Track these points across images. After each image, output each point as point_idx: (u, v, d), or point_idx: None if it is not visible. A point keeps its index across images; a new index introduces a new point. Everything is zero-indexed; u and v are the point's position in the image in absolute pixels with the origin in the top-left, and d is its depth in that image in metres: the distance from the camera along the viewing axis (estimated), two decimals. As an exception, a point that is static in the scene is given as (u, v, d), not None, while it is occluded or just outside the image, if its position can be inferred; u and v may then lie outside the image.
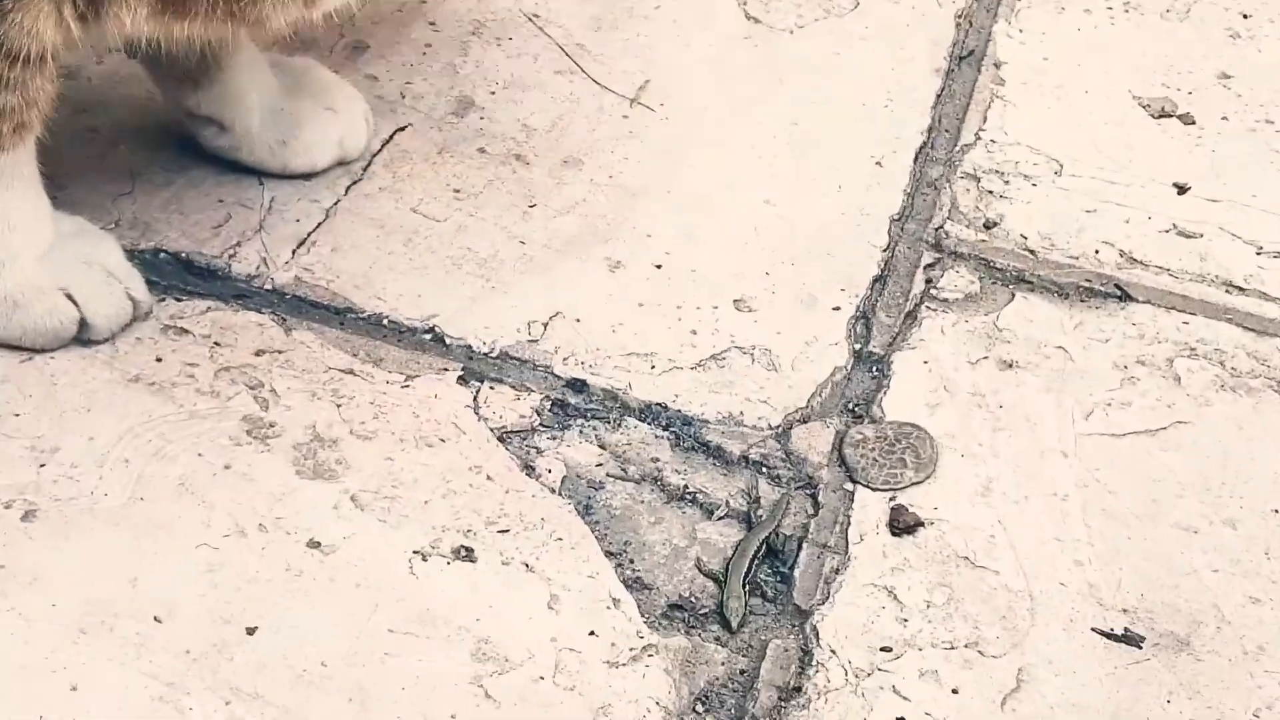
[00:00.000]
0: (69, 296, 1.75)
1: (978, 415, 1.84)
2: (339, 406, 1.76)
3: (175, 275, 1.86)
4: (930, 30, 2.27)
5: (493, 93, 2.12)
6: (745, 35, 2.25)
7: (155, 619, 1.58)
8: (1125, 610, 1.69)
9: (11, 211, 1.72)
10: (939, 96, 2.20)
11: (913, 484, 1.77)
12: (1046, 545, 1.73)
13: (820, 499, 1.76)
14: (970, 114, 2.17)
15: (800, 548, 1.72)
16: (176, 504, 1.66)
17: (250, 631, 1.58)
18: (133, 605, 1.58)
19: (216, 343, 1.80)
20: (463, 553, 1.66)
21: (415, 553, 1.66)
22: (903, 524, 1.74)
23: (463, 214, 1.96)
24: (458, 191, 1.98)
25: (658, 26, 2.24)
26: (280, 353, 1.80)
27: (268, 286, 1.87)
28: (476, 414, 1.78)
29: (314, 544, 1.65)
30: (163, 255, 1.88)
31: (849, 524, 1.74)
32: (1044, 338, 1.92)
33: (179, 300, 1.84)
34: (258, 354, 1.79)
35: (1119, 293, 1.98)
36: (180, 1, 1.61)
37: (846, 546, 1.72)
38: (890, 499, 1.76)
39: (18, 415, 1.71)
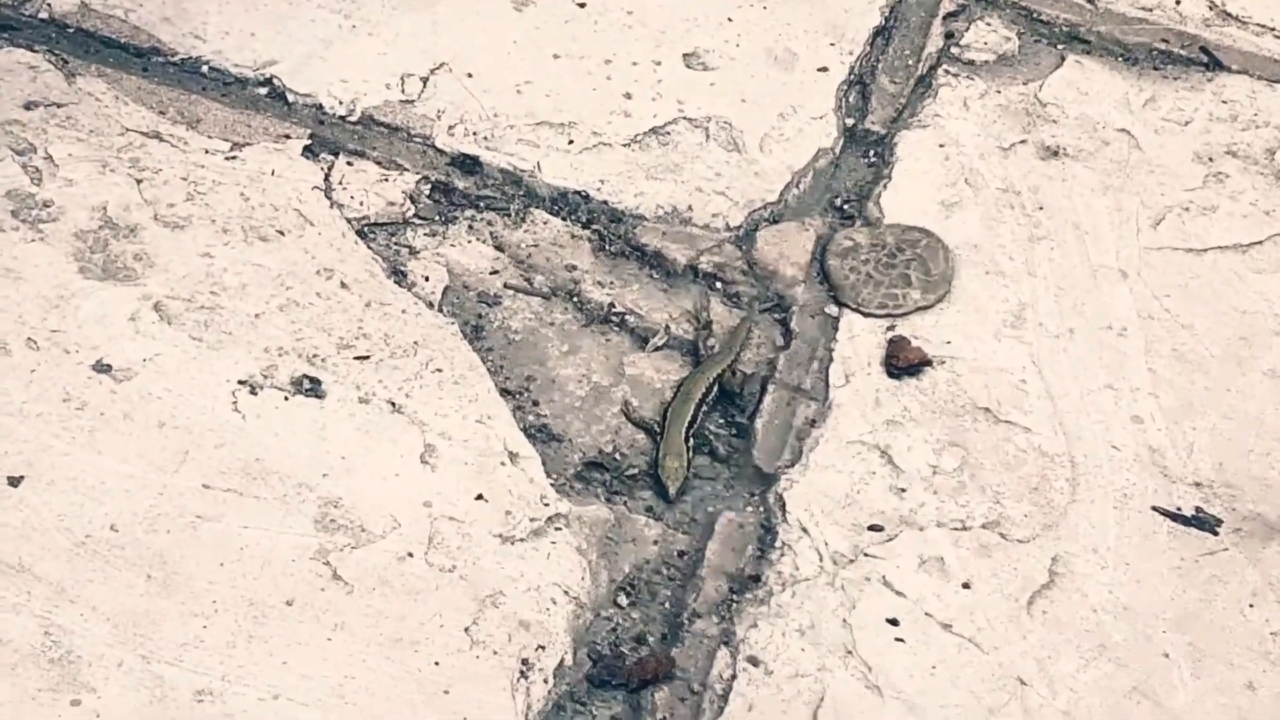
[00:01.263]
0: None
1: (1010, 219, 1.85)
2: (140, 183, 1.75)
3: (-83, -3, 1.85)
4: None
5: None
6: None
7: (-116, 463, 1.58)
8: (1198, 484, 1.70)
9: None
10: None
11: (919, 309, 1.79)
12: (1096, 395, 1.75)
13: (793, 326, 1.77)
14: None
15: (764, 391, 1.73)
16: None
17: (14, 483, 1.58)
18: None
19: (-30, 84, 1.79)
20: (306, 385, 1.67)
21: (241, 383, 1.66)
22: (904, 362, 1.75)
23: (315, -75, 1.94)
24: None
25: None
26: (60, 106, 1.78)
27: (43, 15, 1.86)
28: (329, 198, 1.78)
29: (103, 367, 1.65)
30: (-100, -31, 1.86)
31: (831, 360, 1.75)
32: (1103, 117, 1.93)
33: (-78, 31, 1.82)
34: (28, 107, 1.78)
35: (1205, 59, 1.98)
36: None
37: (827, 390, 1.73)
38: (888, 328, 1.77)
39: None
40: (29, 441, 1.60)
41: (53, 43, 1.83)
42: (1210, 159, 1.91)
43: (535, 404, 1.70)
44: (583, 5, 1.93)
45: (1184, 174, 1.90)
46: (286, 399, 1.65)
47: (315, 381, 1.67)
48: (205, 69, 1.84)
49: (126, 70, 1.81)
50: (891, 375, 1.74)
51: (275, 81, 1.84)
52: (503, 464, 1.65)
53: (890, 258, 1.81)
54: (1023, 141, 1.90)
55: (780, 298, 1.78)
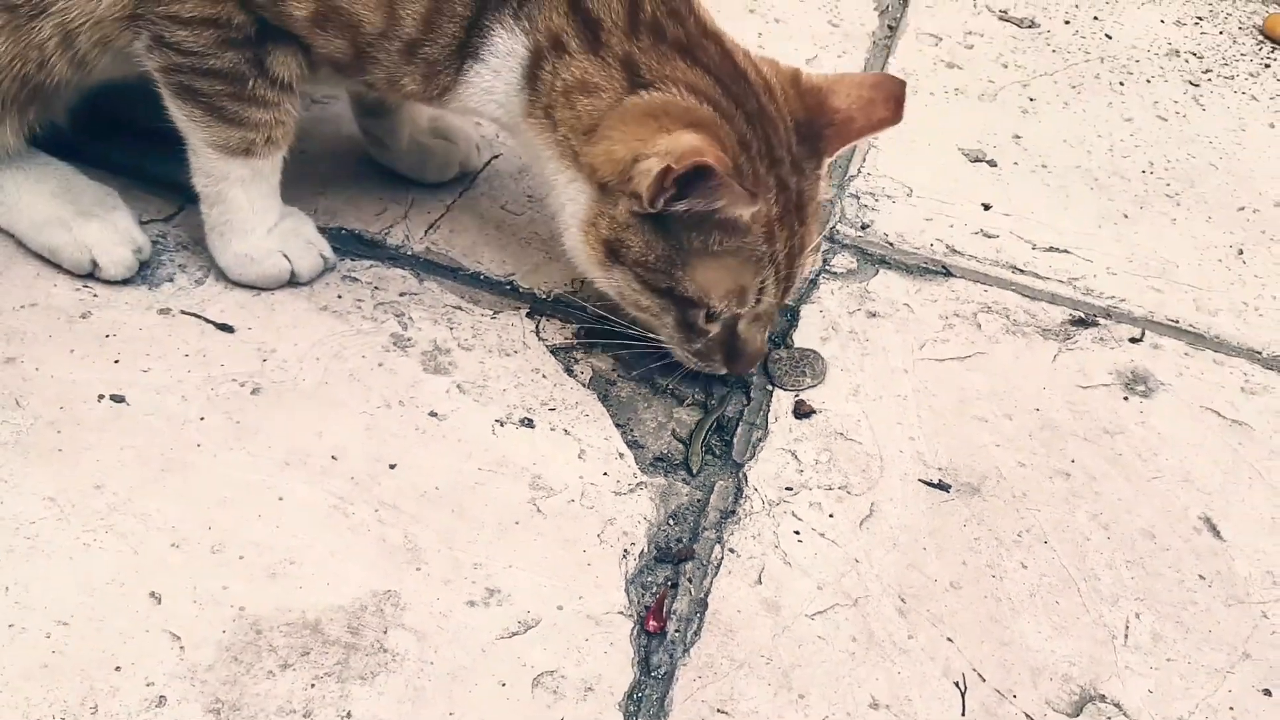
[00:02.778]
0: (285, 255, 1.73)
1: (852, 345, 1.83)
2: (452, 329, 1.75)
3: (350, 244, 1.85)
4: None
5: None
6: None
7: (332, 457, 1.58)
8: (940, 469, 1.69)
9: (257, 200, 1.69)
10: (836, 145, 2.19)
11: (810, 387, 1.77)
12: (892, 428, 1.73)
13: (751, 395, 1.76)
14: (855, 157, 2.16)
15: (738, 425, 1.72)
16: (348, 387, 1.66)
17: (392, 467, 1.58)
18: (319, 449, 1.59)
19: (375, 287, 1.79)
20: (526, 422, 1.66)
21: (496, 421, 1.66)
22: (802, 412, 1.74)
23: (533, 211, 1.94)
24: (531, 197, 1.97)
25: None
26: (415, 294, 1.78)
27: (409, 253, 1.85)
28: (538, 336, 1.77)
29: (433, 414, 1.65)
30: (343, 232, 1.87)
31: (769, 411, 1.74)
32: (896, 298, 1.91)
33: (352, 260, 1.82)
34: (401, 295, 1.78)
35: (944, 271, 1.97)
36: (347, 68, 1.60)
37: (766, 425, 1.72)
38: (795, 396, 1.76)
39: (250, 329, 1.71)
40: (400, 448, 1.60)
41: (413, 266, 1.82)
42: (946, 318, 1.89)
43: (631, 430, 1.69)
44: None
45: (934, 325, 1.88)
46: (517, 429, 1.65)
47: (531, 420, 1.66)
48: (482, 277, 1.82)
49: (446, 278, 1.79)
50: (797, 418, 1.73)
51: (514, 282, 1.83)
52: (617, 458, 1.64)
53: (797, 363, 1.79)
54: (859, 310, 1.88)
55: (745, 383, 1.76)
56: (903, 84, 1.59)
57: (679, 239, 1.50)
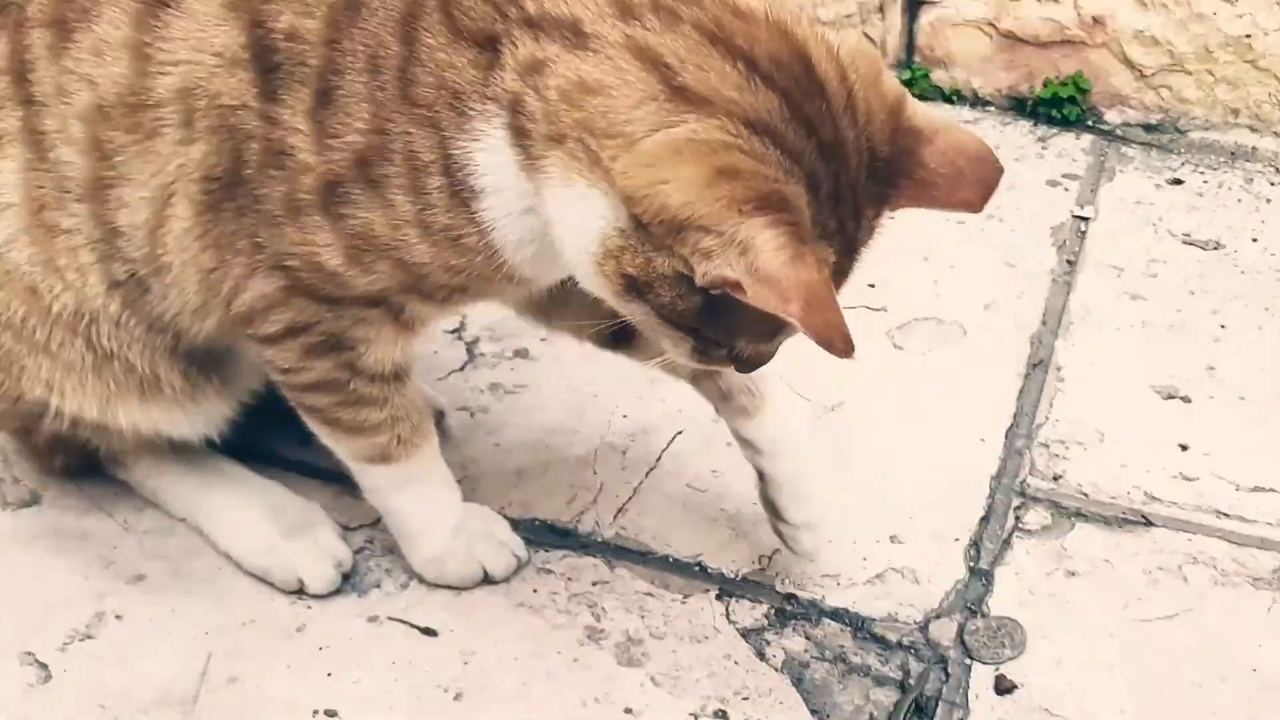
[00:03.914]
0: (475, 558, 1.80)
1: (1052, 610, 1.80)
2: (643, 618, 1.78)
3: (544, 535, 1.91)
4: (1013, 347, 2.25)
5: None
6: (888, 360, 2.22)
7: (532, 763, 1.62)
8: (1153, 744, 1.63)
9: (422, 503, 1.73)
10: (1020, 391, 2.18)
11: (1010, 659, 1.74)
12: (1100, 699, 1.69)
13: (949, 670, 1.74)
14: (1041, 402, 2.15)
15: (937, 704, 1.70)
16: (545, 686, 1.70)
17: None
18: (519, 754, 1.63)
19: (569, 578, 1.84)
20: (720, 715, 1.67)
21: (690, 715, 1.67)
22: (1004, 687, 1.71)
23: (719, 487, 1.98)
24: (715, 471, 2.00)
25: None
26: (607, 583, 1.83)
27: (599, 539, 1.90)
28: (728, 619, 1.79)
29: (628, 710, 1.68)
30: (536, 522, 1.93)
31: (968, 687, 1.71)
32: (1095, 554, 1.88)
33: (546, 551, 1.88)
34: (594, 584, 1.82)
35: (1144, 520, 1.93)
36: (412, 292, 1.43)
37: (967, 702, 1.70)
38: (995, 670, 1.73)
39: (452, 630, 1.78)
40: None
41: (604, 552, 1.87)
42: (1150, 572, 1.86)
43: (829, 716, 1.67)
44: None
45: (1138, 581, 1.84)
46: (712, 721, 1.66)
47: (725, 712, 1.67)
48: (670, 560, 1.86)
49: (636, 563, 1.81)
50: (998, 694, 1.70)
51: (702, 563, 1.86)
52: (814, 748, 1.64)
53: (995, 633, 1.77)
54: (1056, 569, 1.86)
55: (943, 657, 1.75)
56: (999, 170, 1.25)
57: (722, 302, 1.20)
